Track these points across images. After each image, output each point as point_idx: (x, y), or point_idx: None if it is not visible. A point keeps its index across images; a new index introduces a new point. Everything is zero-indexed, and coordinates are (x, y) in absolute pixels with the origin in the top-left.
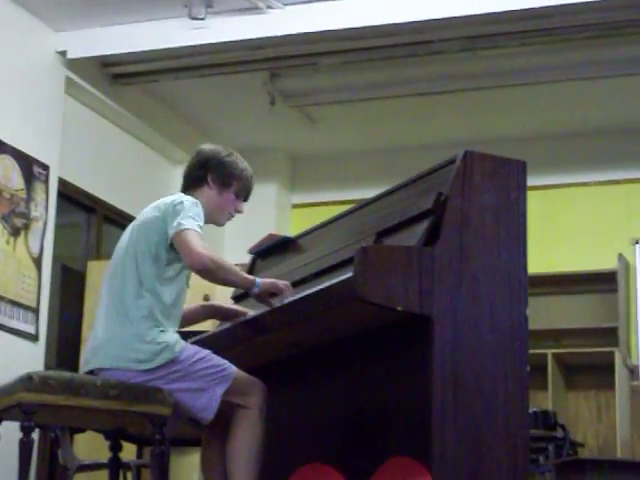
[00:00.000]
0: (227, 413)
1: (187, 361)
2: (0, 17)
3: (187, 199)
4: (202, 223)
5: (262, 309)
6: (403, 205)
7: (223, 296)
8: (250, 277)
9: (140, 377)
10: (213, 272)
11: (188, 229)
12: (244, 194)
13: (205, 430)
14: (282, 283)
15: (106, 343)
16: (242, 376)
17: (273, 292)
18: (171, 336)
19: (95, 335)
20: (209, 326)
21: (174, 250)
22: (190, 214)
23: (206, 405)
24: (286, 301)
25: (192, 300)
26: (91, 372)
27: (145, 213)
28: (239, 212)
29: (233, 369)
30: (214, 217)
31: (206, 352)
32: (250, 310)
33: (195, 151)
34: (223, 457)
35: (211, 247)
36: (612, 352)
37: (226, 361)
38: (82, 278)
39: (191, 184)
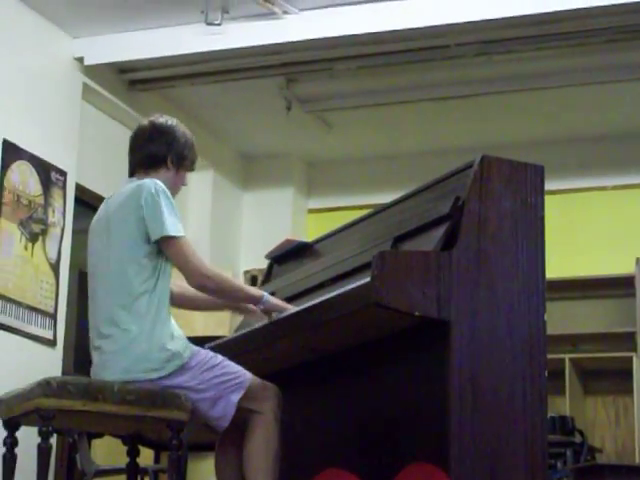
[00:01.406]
0: (241, 418)
1: (200, 368)
2: (17, 24)
3: (156, 188)
4: (178, 216)
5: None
6: (420, 210)
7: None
8: (257, 294)
9: (152, 387)
10: (213, 292)
11: (175, 238)
12: (192, 168)
13: (219, 436)
14: (289, 308)
15: (114, 357)
16: (256, 381)
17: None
18: (180, 342)
19: (100, 348)
20: (226, 331)
21: (157, 244)
22: (168, 212)
23: (222, 414)
24: (286, 313)
25: None
26: None
27: (113, 212)
28: (184, 185)
29: (248, 375)
30: None
31: (220, 358)
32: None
33: (147, 124)
34: (237, 462)
35: (223, 256)
36: (630, 357)
37: (240, 367)
38: None
39: (148, 164)
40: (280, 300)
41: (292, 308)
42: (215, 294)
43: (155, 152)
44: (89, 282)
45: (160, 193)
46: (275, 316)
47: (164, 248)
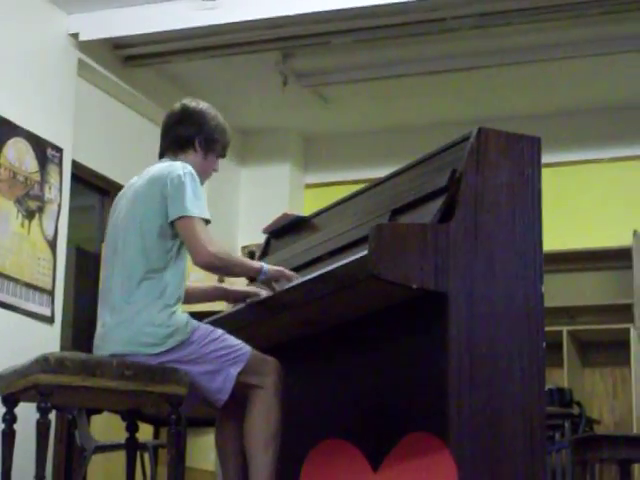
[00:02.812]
0: (241, 393)
1: (200, 342)
2: (12, 1)
3: (184, 171)
4: (204, 200)
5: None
6: (417, 183)
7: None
8: (257, 265)
9: (152, 361)
10: (218, 269)
11: (191, 217)
12: (224, 154)
13: (219, 411)
14: (290, 273)
15: (116, 328)
16: (256, 355)
17: (278, 280)
18: (181, 317)
19: (104, 321)
20: (226, 306)
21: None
22: (192, 193)
23: (220, 387)
24: (288, 286)
25: (207, 281)
26: None
27: (139, 187)
28: (216, 171)
29: (247, 349)
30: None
31: (220, 332)
32: (262, 290)
33: (178, 107)
34: (238, 437)
35: (221, 232)
36: (627, 328)
37: (240, 341)
38: (96, 260)
39: (176, 146)
40: (277, 266)
41: (290, 273)
42: (219, 272)
43: (184, 134)
44: (104, 255)
45: (187, 175)
46: (278, 287)
47: (178, 227)
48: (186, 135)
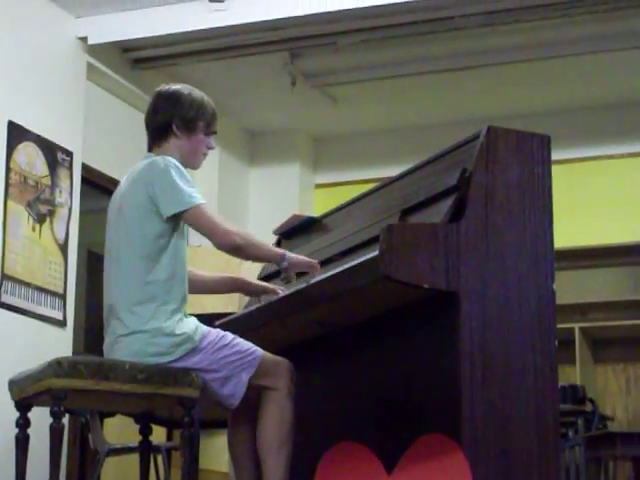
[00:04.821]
0: (254, 395)
1: (210, 349)
2: (20, 5)
3: (165, 163)
4: (195, 185)
5: (289, 289)
6: (427, 182)
7: (250, 275)
8: (279, 251)
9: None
10: (243, 250)
11: (199, 204)
12: (212, 129)
13: (231, 413)
14: (313, 262)
15: (124, 339)
16: (268, 358)
17: (301, 269)
18: (190, 324)
19: (111, 330)
20: (236, 308)
21: (170, 222)
22: (183, 183)
23: (232, 392)
24: (312, 281)
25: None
26: None
27: (125, 192)
28: (211, 149)
29: (259, 353)
30: (190, 163)
31: (230, 337)
32: (280, 289)
33: (153, 95)
34: (250, 438)
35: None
36: None
37: (252, 345)
38: None
39: (157, 136)
40: (300, 255)
41: (314, 262)
42: (242, 253)
43: (160, 122)
44: (104, 262)
45: (171, 168)
46: (304, 283)
47: (188, 219)
48: (163, 122)
